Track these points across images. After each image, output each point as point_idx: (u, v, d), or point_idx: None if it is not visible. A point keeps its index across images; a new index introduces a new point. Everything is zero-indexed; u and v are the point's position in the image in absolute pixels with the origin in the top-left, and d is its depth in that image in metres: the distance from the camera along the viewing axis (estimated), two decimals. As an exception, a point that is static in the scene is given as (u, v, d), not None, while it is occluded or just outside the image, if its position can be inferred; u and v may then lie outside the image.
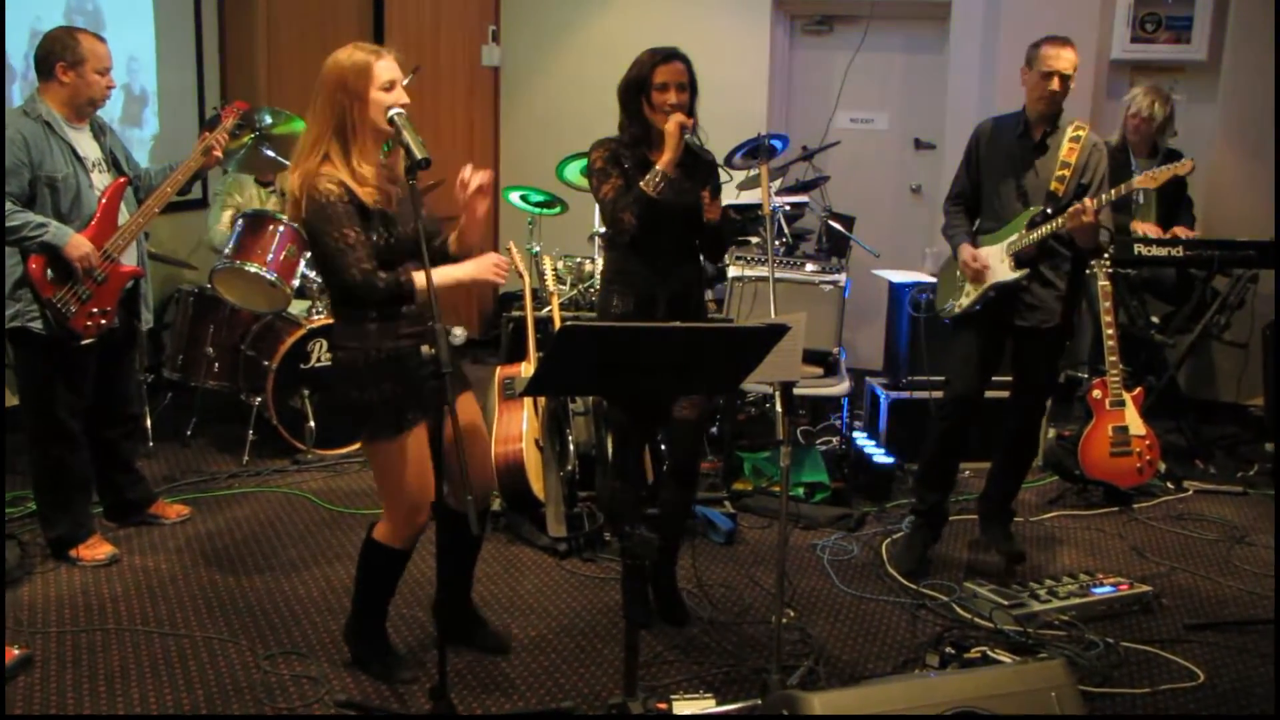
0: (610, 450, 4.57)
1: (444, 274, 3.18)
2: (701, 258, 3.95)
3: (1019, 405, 4.48)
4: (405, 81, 3.25)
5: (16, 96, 5.28)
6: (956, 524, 4.78)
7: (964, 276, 4.34)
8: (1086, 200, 4.01)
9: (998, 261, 4.23)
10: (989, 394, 4.43)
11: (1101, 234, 4.12)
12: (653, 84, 3.66)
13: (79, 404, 4.23)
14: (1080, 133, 4.20)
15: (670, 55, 3.68)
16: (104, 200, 4.13)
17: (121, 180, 4.22)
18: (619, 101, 3.77)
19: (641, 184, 3.62)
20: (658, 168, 3.61)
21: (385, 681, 3.48)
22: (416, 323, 3.23)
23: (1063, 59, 4.11)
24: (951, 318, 4.42)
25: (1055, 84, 4.13)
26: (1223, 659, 3.80)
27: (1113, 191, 4.09)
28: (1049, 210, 4.15)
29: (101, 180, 4.18)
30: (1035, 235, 4.14)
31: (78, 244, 3.99)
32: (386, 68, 3.15)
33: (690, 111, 3.71)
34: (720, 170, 3.98)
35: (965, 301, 4.33)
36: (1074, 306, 4.41)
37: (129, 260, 4.24)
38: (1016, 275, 4.19)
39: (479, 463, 3.50)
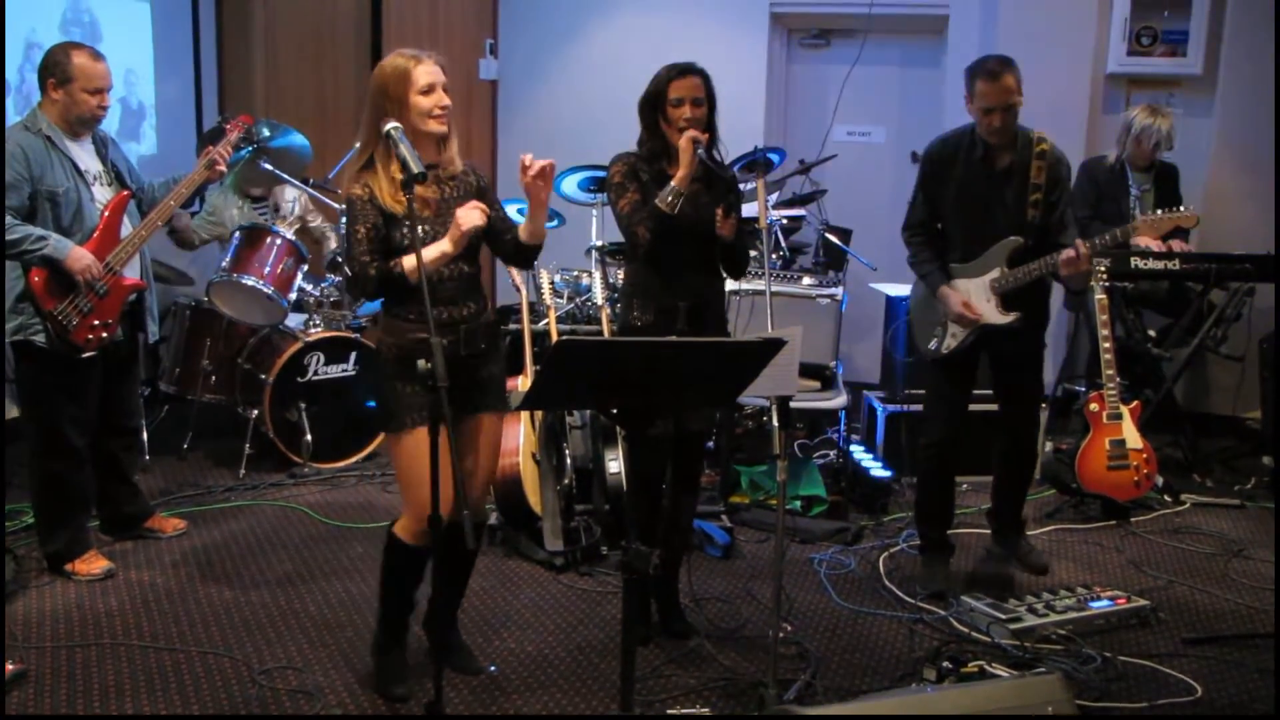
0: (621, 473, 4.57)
1: (431, 252, 3.20)
2: (723, 271, 3.92)
3: (1014, 418, 4.45)
4: None
5: (10, 110, 5.28)
6: (952, 537, 4.77)
7: (944, 314, 4.28)
8: (1080, 244, 3.95)
9: (983, 300, 4.18)
10: (971, 407, 4.45)
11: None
12: (668, 99, 3.64)
13: (83, 418, 4.22)
14: (1044, 148, 4.10)
15: (686, 70, 3.67)
16: (106, 213, 4.13)
17: (125, 194, 4.22)
18: (639, 116, 3.76)
19: (657, 200, 3.59)
20: (672, 184, 3.58)
21: (377, 693, 3.47)
22: (423, 325, 3.21)
23: (997, 93, 3.96)
24: (935, 359, 4.35)
25: (996, 120, 4.00)
26: (1220, 673, 3.79)
27: (1108, 235, 4.07)
28: (1028, 242, 4.11)
29: (103, 194, 4.17)
30: (1022, 273, 4.09)
31: (78, 256, 3.98)
32: (426, 72, 3.25)
33: (709, 126, 3.70)
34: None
35: (952, 343, 4.27)
36: (1043, 300, 4.33)
37: (132, 273, 4.23)
38: (1009, 319, 4.15)
39: (479, 480, 3.52)
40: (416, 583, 3.52)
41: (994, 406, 4.55)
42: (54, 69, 4.04)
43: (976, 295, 4.20)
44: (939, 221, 4.32)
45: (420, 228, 3.21)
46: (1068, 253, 3.97)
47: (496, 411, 3.50)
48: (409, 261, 3.18)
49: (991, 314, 4.18)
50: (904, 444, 5.45)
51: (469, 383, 3.35)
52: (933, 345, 4.37)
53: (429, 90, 3.23)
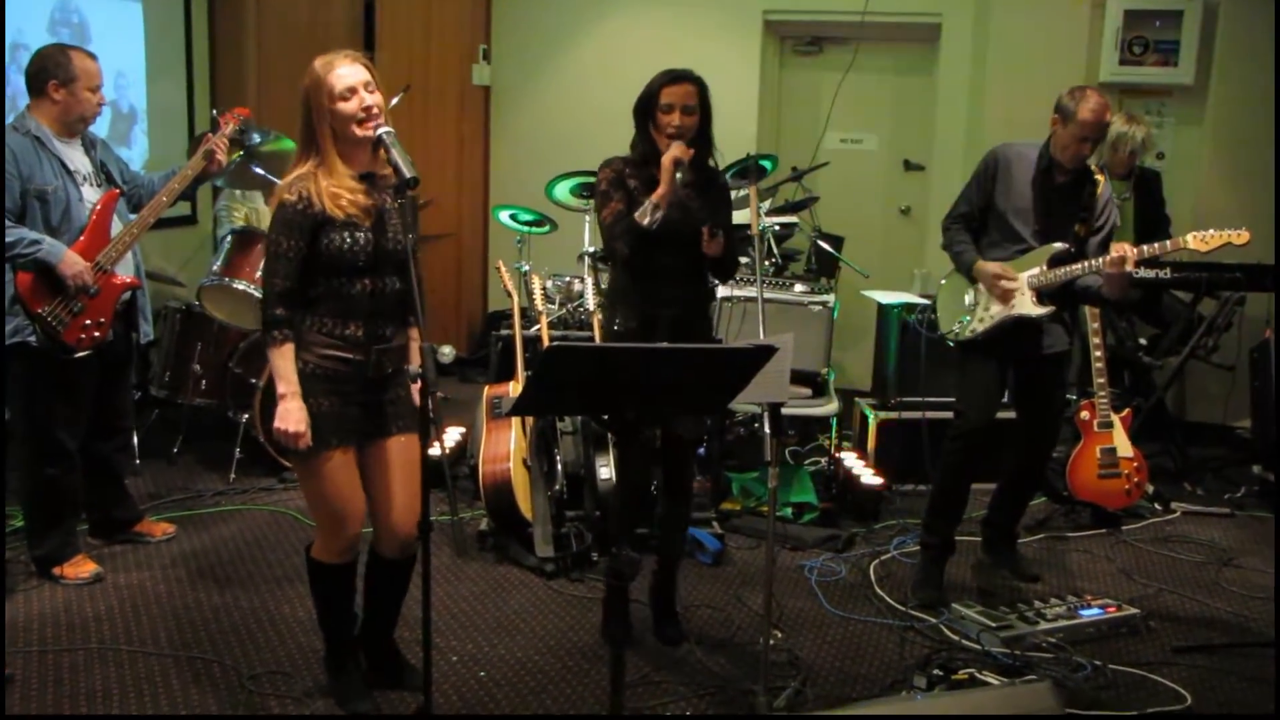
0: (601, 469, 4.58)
1: (282, 366, 3.11)
2: (711, 276, 3.91)
3: (1033, 435, 4.42)
4: (395, 100, 3.24)
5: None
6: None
7: (976, 298, 4.29)
8: (1128, 248, 3.97)
9: (1018, 294, 4.19)
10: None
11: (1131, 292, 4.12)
12: (658, 104, 3.61)
13: (77, 420, 4.21)
14: (1100, 179, 4.23)
15: (680, 77, 3.63)
16: (96, 213, 4.12)
17: (114, 192, 4.22)
18: (633, 119, 3.72)
19: (636, 215, 3.56)
20: (652, 199, 3.55)
21: (340, 707, 3.42)
22: (342, 344, 3.15)
23: (1102, 126, 4.12)
24: (960, 341, 4.35)
25: (1088, 150, 4.14)
26: (1210, 681, 3.79)
27: (1157, 246, 4.08)
28: (1072, 249, 4.14)
29: (92, 194, 4.17)
30: (1063, 273, 4.10)
31: (71, 262, 3.98)
32: (343, 75, 3.07)
33: (702, 134, 3.67)
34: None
35: (979, 326, 4.26)
36: (1075, 332, 4.40)
37: (125, 271, 4.22)
38: (1043, 311, 4.15)
39: (405, 506, 3.30)
40: (351, 597, 3.44)
41: (1012, 414, 4.50)
42: (56, 70, 4.05)
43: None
44: (983, 219, 4.34)
45: (354, 234, 3.10)
46: (1116, 251, 3.97)
47: (408, 432, 3.28)
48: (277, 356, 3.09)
49: (1026, 305, 4.18)
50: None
51: (376, 406, 3.25)
52: (955, 327, 4.36)
53: (349, 94, 3.05)
